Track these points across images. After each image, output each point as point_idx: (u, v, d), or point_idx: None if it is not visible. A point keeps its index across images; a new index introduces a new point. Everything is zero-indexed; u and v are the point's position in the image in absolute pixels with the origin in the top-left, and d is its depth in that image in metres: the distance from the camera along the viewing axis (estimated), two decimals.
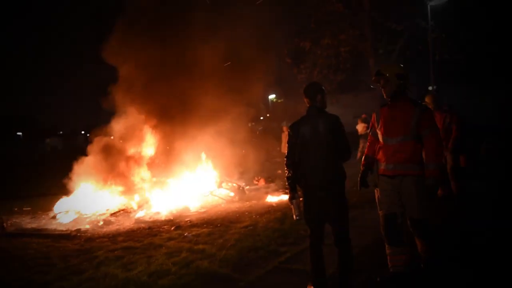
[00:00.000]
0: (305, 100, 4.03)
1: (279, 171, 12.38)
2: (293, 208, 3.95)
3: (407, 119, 3.88)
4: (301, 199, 4.00)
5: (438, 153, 3.85)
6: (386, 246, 4.04)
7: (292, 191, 3.97)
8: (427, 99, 6.97)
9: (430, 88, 19.02)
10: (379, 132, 4.10)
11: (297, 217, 3.92)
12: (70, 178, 9.83)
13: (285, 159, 4.04)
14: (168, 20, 10.32)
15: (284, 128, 15.39)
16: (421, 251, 4.02)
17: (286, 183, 4.05)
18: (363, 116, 16.07)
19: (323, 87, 4.05)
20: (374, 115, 4.20)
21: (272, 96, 32.84)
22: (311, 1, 17.90)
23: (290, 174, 3.97)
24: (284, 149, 14.69)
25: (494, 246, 4.79)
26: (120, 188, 9.57)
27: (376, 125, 4.15)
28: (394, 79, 3.96)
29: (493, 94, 22.45)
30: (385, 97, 4.08)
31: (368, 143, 4.34)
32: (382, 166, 4.03)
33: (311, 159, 3.84)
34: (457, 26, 17.72)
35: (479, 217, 6.08)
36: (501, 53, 21.81)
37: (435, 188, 3.82)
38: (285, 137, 15.06)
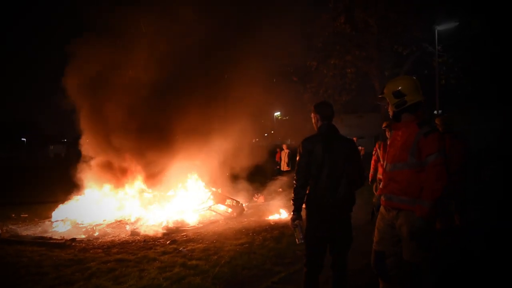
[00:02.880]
0: (317, 117, 3.84)
1: (280, 189, 12.31)
2: (296, 231, 3.65)
3: (407, 143, 3.29)
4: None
5: (436, 188, 3.05)
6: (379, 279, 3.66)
7: (297, 211, 3.68)
8: (436, 121, 6.86)
9: (435, 112, 19.00)
10: None
11: (301, 241, 3.64)
12: (70, 186, 9.82)
13: (294, 176, 3.72)
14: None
15: (284, 147, 15.39)
16: None
17: (292, 203, 3.74)
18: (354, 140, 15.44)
19: None
20: None
21: (277, 113, 32.90)
22: (319, 21, 18.07)
23: (298, 194, 3.68)
24: (284, 167, 14.82)
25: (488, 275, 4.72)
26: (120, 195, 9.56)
27: None
28: (391, 98, 3.43)
29: (497, 119, 22.48)
30: (390, 117, 3.60)
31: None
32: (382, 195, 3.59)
33: (324, 178, 3.63)
34: (464, 51, 17.75)
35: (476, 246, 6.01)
36: (508, 78, 21.81)
37: (422, 230, 3.09)
38: (284, 156, 15.05)
